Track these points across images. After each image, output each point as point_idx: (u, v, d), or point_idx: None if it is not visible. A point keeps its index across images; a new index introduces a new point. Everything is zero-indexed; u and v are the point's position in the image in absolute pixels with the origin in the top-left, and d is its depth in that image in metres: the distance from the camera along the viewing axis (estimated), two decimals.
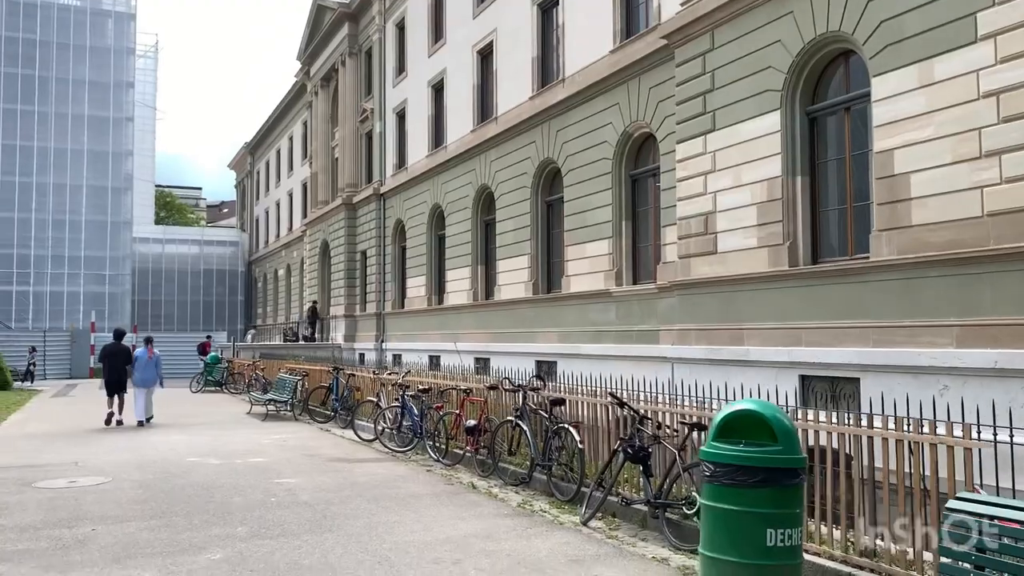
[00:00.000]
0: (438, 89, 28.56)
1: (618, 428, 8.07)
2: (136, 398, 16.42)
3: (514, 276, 22.66)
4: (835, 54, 12.44)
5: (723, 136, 14.32)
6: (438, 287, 28.60)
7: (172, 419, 17.83)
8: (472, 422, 10.21)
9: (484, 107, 25.21)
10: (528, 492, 8.90)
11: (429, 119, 29.12)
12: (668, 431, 7.41)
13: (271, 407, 17.94)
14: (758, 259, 13.48)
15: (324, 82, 40.41)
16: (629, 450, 7.12)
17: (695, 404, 7.44)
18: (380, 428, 12.79)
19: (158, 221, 67.52)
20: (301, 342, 37.97)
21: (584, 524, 7.40)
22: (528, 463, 9.11)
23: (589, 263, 19.19)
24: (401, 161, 32.00)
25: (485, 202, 25.04)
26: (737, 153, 14.05)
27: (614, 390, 8.61)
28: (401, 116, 32.13)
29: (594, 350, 18.65)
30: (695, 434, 7.03)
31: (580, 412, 8.81)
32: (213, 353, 30.96)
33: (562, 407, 8.77)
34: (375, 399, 13.85)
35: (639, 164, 18.30)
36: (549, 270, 21.76)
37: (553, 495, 8.52)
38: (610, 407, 8.13)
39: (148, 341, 17.81)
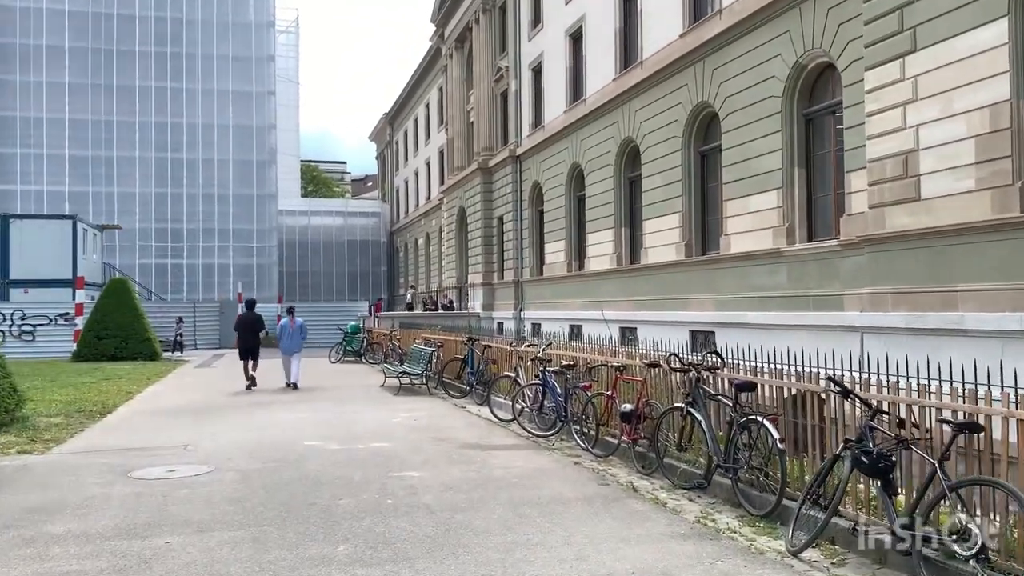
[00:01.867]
0: (576, 38, 26.47)
1: (831, 423, 5.97)
2: (293, 363, 17.83)
3: (663, 237, 20.44)
4: None
5: (928, 56, 11.66)
6: (578, 252, 26.73)
7: (304, 392, 16.97)
8: (628, 407, 8.33)
9: (628, 51, 22.94)
10: (706, 500, 6.96)
11: (567, 71, 27.09)
12: (916, 431, 5.26)
13: (404, 380, 16.73)
14: (977, 205, 10.89)
15: (458, 43, 39.06)
16: (863, 458, 5.05)
17: (961, 394, 5.23)
18: (519, 407, 11.14)
19: (304, 195, 68.90)
20: (440, 311, 37.14)
21: (794, 555, 5.40)
22: (704, 461, 7.15)
23: (753, 219, 16.77)
24: (537, 120, 30.18)
25: (629, 157, 22.87)
26: (948, 75, 11.38)
27: (812, 369, 6.55)
28: (537, 72, 30.25)
29: (759, 318, 16.29)
30: (962, 437, 4.87)
31: (773, 399, 6.73)
32: (353, 322, 30.45)
33: (751, 394, 6.73)
34: (513, 375, 12.21)
35: (814, 101, 15.67)
36: (704, 229, 19.43)
37: (740, 505, 6.55)
38: (826, 396, 6.01)
39: (291, 311, 19.27)
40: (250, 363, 17.71)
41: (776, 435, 6.09)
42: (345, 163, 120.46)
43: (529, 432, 10.65)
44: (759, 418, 6.30)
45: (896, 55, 12.13)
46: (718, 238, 18.36)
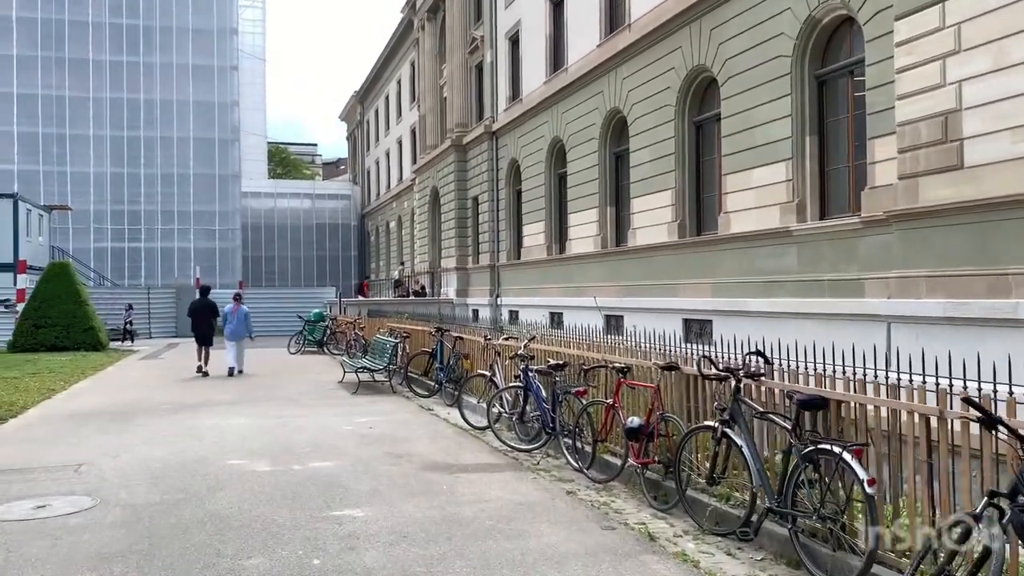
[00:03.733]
0: (557, 2, 24.49)
1: (934, 455, 4.13)
2: (227, 350, 18.02)
3: (653, 216, 18.61)
4: None
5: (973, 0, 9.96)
6: (559, 234, 24.86)
7: (248, 388, 14.94)
8: (637, 421, 6.46)
9: (614, 13, 21.03)
10: (751, 555, 5.09)
11: (546, 39, 25.10)
12: None
13: (365, 375, 14.76)
14: None
15: (430, 14, 36.88)
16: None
17: None
18: (496, 412, 9.24)
19: (272, 178, 66.20)
20: (412, 297, 35.10)
21: None
22: (746, 499, 5.29)
23: (757, 194, 14.98)
24: (515, 92, 28.18)
25: (615, 129, 20.98)
26: (999, 21, 9.66)
27: (837, 367, 4.76)
28: (514, 41, 28.22)
29: (763, 305, 14.55)
30: None
31: (853, 419, 4.84)
32: (317, 310, 28.31)
33: (818, 413, 4.83)
34: (488, 373, 10.26)
35: (828, 60, 13.89)
36: (699, 207, 17.62)
37: (802, 565, 4.72)
38: (945, 420, 4.12)
39: (236, 298, 19.29)
40: (203, 351, 17.89)
41: (863, 474, 4.26)
42: (316, 145, 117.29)
43: (508, 445, 8.75)
44: (834, 449, 4.45)
45: (933, 0, 10.39)
46: (715, 217, 16.59)
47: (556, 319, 23.47)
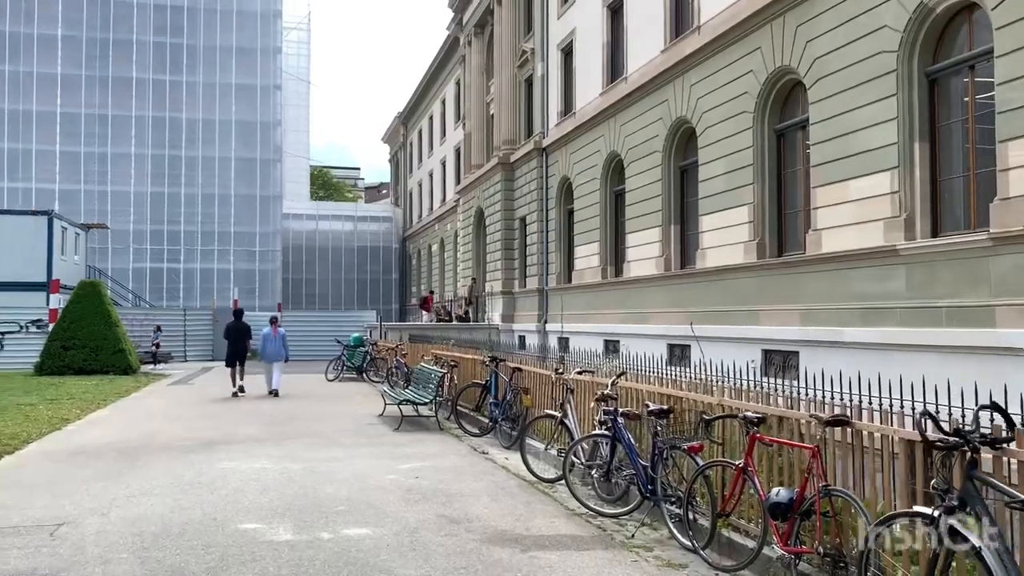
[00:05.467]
0: (615, 8, 22.96)
1: None
2: (267, 372, 18.86)
3: (726, 235, 16.81)
4: None
5: None
6: (615, 256, 23.13)
7: (277, 422, 13.37)
8: (785, 494, 4.70)
9: (679, 17, 19.41)
10: None
11: (603, 47, 23.55)
12: None
13: (408, 408, 13.13)
14: None
15: (478, 29, 35.65)
16: None
17: None
18: (573, 464, 7.50)
19: (314, 200, 65.47)
20: (455, 322, 33.50)
21: None
22: None
23: (854, 209, 13.13)
24: (567, 106, 26.65)
25: (681, 141, 19.28)
26: None
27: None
28: (567, 52, 26.74)
29: (863, 336, 12.66)
30: None
31: None
32: (357, 334, 26.85)
33: None
34: (557, 413, 8.50)
35: (941, 55, 12.06)
36: (780, 224, 15.80)
37: None
38: None
39: (273, 321, 20.18)
40: (236, 370, 18.66)
41: None
42: (359, 169, 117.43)
43: (588, 507, 6.99)
44: None
45: None
46: (802, 235, 14.78)
47: (611, 347, 21.71)
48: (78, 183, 42.33)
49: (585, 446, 7.48)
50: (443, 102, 46.73)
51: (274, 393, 18.15)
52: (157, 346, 27.46)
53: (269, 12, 45.81)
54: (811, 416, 4.86)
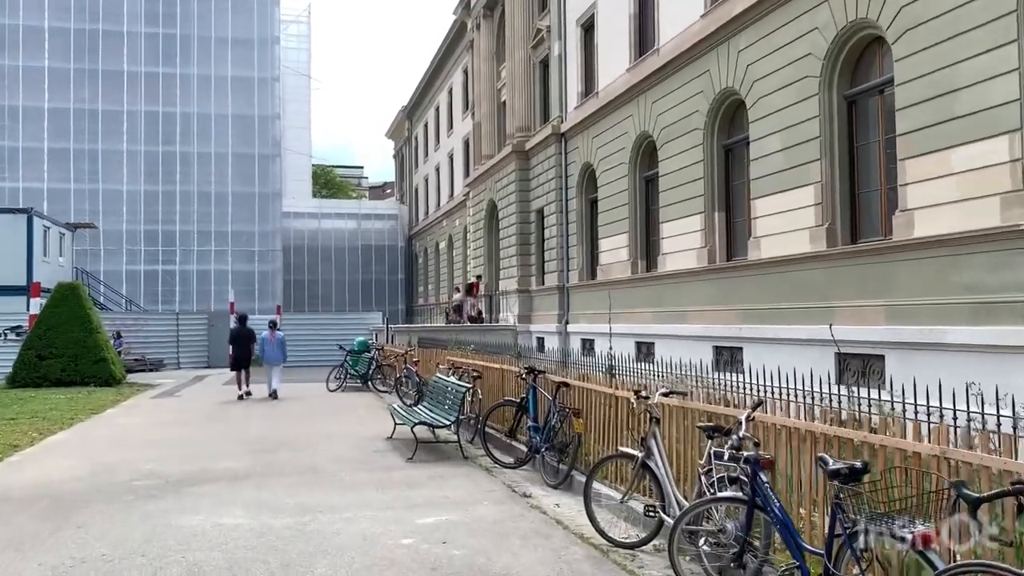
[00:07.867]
0: None
1: None
2: (267, 374, 19.21)
3: (786, 220, 14.53)
4: None
5: None
6: (646, 248, 20.86)
7: (267, 449, 11.11)
8: None
9: None
10: None
11: (631, 18, 21.27)
12: None
13: (422, 429, 10.86)
14: None
15: (487, 10, 33.40)
16: None
17: None
18: (684, 533, 5.10)
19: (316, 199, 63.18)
20: (467, 323, 31.15)
21: None
22: None
23: (958, 184, 10.86)
24: (588, 87, 24.38)
25: (725, 116, 17.01)
26: None
27: None
28: (587, 28, 24.48)
29: (974, 336, 10.40)
30: None
31: None
32: (361, 338, 24.56)
33: None
34: (638, 452, 6.10)
35: None
36: (853, 206, 13.52)
37: None
38: None
39: (272, 325, 20.13)
40: (242, 374, 18.96)
41: None
42: (362, 168, 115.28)
43: None
44: None
45: None
46: (883, 217, 12.52)
47: (644, 350, 19.45)
48: (67, 182, 40.19)
49: (714, 512, 4.95)
50: (450, 92, 44.48)
51: (273, 395, 18.70)
52: (120, 355, 24.94)
53: (265, 0, 43.57)
54: None
